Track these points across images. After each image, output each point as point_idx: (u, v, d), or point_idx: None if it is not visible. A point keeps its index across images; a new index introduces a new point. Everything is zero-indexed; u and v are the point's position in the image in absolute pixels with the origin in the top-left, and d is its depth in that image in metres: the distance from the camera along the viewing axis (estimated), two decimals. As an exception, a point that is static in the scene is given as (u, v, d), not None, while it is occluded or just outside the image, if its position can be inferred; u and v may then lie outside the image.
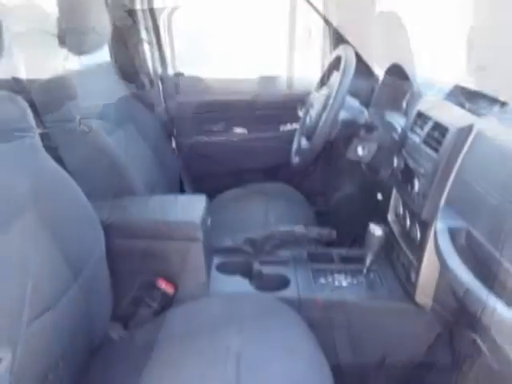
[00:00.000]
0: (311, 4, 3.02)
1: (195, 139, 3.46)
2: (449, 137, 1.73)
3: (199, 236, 2.07)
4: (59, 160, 1.97)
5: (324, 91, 2.40)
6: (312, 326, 1.86)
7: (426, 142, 1.92)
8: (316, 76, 2.67)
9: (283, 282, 2.21)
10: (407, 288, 2.07)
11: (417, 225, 2.01)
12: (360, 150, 2.32)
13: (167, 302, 2.06)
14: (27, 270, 1.47)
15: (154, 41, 3.38)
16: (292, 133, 2.87)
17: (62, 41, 2.33)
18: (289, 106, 3.26)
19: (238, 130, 3.47)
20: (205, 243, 2.10)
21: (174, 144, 3.41)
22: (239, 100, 3.42)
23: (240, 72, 3.57)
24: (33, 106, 1.87)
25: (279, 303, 1.97)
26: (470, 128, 1.67)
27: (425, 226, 1.89)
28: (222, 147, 3.49)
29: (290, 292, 2.15)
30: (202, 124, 3.46)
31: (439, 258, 1.49)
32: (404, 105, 2.51)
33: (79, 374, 1.69)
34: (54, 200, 1.66)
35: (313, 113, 2.43)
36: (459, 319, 1.87)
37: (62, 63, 2.44)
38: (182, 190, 3.32)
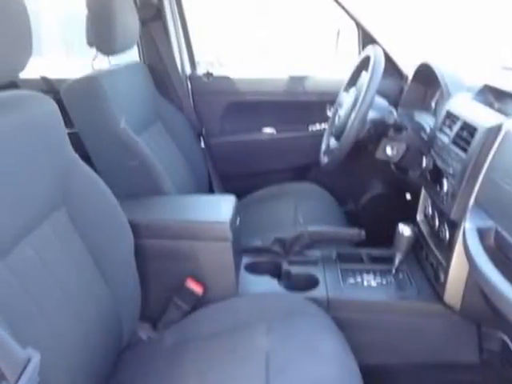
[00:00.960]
0: (340, 4, 3.01)
1: (224, 139, 3.47)
2: (477, 137, 1.73)
3: (228, 236, 2.07)
4: (88, 160, 1.99)
5: (353, 91, 2.40)
6: (341, 326, 1.86)
7: (454, 141, 1.92)
8: (345, 76, 2.67)
9: (312, 282, 2.21)
10: (436, 288, 2.07)
11: (446, 225, 2.00)
12: (389, 150, 2.31)
13: (196, 302, 2.06)
14: (56, 269, 1.49)
15: (183, 40, 3.40)
16: (321, 133, 2.88)
17: (91, 41, 2.35)
18: (318, 105, 3.26)
19: (267, 130, 3.47)
20: (234, 243, 2.10)
21: (202, 144, 3.42)
22: (268, 100, 3.42)
23: (269, 72, 3.57)
24: (61, 105, 1.90)
25: (308, 303, 1.97)
26: (498, 128, 1.66)
27: (454, 226, 1.89)
28: (251, 147, 3.49)
29: (318, 292, 2.15)
30: (230, 124, 3.47)
31: (468, 258, 1.49)
32: (433, 104, 2.50)
33: (108, 373, 1.71)
34: (83, 200, 1.68)
35: (342, 113, 2.43)
36: (488, 319, 1.86)
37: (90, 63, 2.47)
38: (211, 190, 3.33)
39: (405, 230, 2.11)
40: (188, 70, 3.45)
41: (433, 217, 2.18)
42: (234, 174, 3.51)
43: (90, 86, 2.30)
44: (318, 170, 3.15)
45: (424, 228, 2.28)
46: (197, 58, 3.56)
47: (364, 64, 2.40)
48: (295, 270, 2.28)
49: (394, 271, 2.21)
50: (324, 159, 2.60)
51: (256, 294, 2.17)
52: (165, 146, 2.85)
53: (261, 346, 1.67)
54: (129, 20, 2.44)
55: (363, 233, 2.38)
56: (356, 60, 2.59)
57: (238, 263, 2.22)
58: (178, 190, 2.60)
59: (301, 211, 2.90)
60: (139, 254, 1.90)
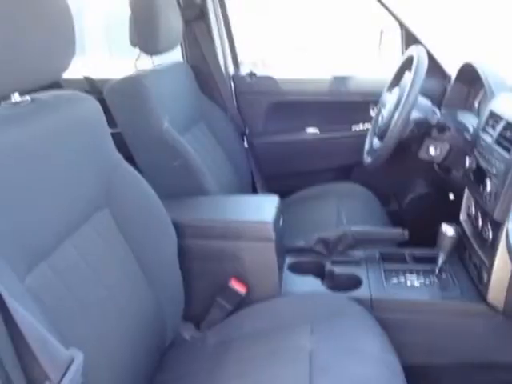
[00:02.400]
0: (384, 4, 3.01)
1: (267, 139, 3.48)
2: (521, 137, 1.73)
3: (271, 236, 2.07)
4: (131, 160, 2.01)
5: (396, 91, 2.40)
6: (384, 326, 1.86)
7: (498, 141, 1.91)
8: (388, 76, 2.67)
9: (355, 282, 2.20)
10: (479, 288, 2.06)
11: (489, 225, 1.99)
12: (432, 150, 2.31)
13: (239, 302, 2.08)
14: (99, 269, 1.52)
15: (227, 40, 3.42)
16: (364, 133, 2.87)
17: (135, 41, 2.37)
18: (361, 105, 3.26)
19: (311, 130, 3.47)
20: (277, 243, 2.11)
21: (246, 144, 3.43)
22: (311, 100, 3.42)
23: (312, 72, 3.58)
24: (104, 105, 1.92)
25: (351, 303, 1.97)
26: (542, 128, 1.65)
27: (497, 226, 1.88)
28: (295, 147, 3.50)
29: (362, 292, 2.14)
30: (274, 124, 3.48)
31: (511, 259, 1.48)
32: (476, 104, 2.49)
33: (151, 373, 1.73)
34: (126, 200, 1.70)
35: (385, 113, 2.43)
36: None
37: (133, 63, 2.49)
38: (254, 190, 3.35)
39: (448, 230, 2.11)
40: (231, 70, 3.47)
41: (476, 217, 2.17)
42: (277, 174, 3.52)
43: (133, 86, 2.33)
44: (361, 170, 3.14)
45: (467, 228, 2.27)
46: (240, 58, 3.57)
47: (407, 64, 2.40)
48: (338, 270, 2.28)
49: (437, 271, 2.20)
50: (367, 159, 2.60)
51: (299, 294, 2.17)
52: (208, 146, 2.86)
53: (304, 346, 1.67)
54: (172, 20, 2.46)
55: (406, 233, 2.37)
56: (399, 60, 2.59)
57: (281, 263, 2.23)
58: (221, 190, 2.61)
59: (344, 211, 2.90)
60: (183, 254, 1.92)
